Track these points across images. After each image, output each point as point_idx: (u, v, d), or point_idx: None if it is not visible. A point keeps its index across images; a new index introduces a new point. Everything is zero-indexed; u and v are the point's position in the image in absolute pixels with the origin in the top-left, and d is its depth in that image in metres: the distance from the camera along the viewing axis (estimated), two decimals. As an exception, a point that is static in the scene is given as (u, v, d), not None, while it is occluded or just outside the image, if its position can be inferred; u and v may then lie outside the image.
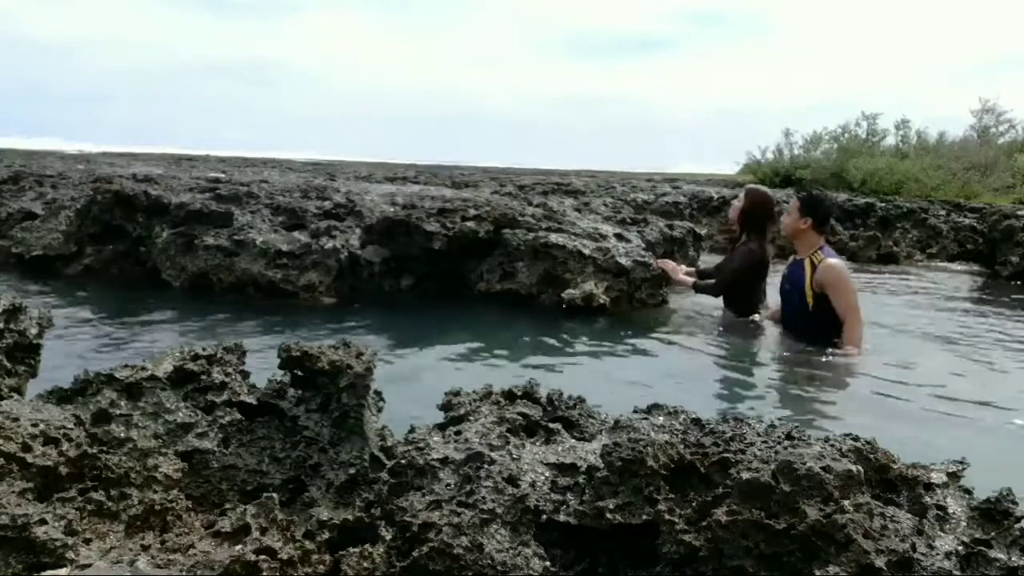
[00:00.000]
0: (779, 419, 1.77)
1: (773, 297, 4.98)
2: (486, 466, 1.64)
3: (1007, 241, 8.92)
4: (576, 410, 2.00)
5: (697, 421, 1.83)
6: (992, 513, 1.59)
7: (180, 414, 1.85)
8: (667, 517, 1.52)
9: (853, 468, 1.51)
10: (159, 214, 5.63)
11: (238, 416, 1.90)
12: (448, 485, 1.61)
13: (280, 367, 1.93)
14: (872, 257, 9.45)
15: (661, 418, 1.88)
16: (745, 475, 1.50)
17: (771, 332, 4.81)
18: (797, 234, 4.52)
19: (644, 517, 1.54)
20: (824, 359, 4.31)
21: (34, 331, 2.17)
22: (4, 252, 5.91)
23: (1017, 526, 1.54)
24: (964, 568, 1.46)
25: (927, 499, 1.61)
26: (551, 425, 1.88)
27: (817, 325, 4.38)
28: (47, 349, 2.22)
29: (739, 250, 5.06)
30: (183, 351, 2.00)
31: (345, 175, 12.88)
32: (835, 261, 4.43)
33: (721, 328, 4.90)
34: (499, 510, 1.55)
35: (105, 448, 1.69)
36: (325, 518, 1.65)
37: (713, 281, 5.17)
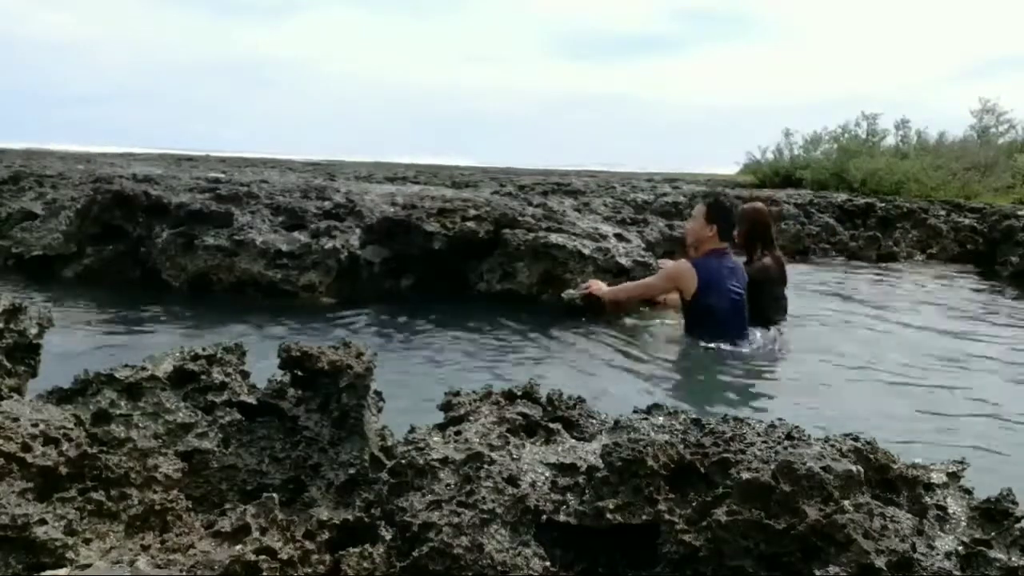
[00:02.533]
0: (779, 419, 1.77)
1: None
2: (486, 466, 1.64)
3: (1007, 241, 8.93)
4: (576, 410, 2.00)
5: (697, 421, 1.83)
6: (992, 513, 1.59)
7: (180, 414, 1.85)
8: (667, 517, 1.52)
9: (853, 468, 1.51)
10: (159, 214, 5.63)
11: (238, 416, 1.89)
12: (448, 485, 1.61)
13: (280, 367, 1.93)
14: (872, 257, 9.45)
15: (661, 418, 1.88)
16: (745, 475, 1.50)
17: (771, 334, 4.81)
18: (702, 241, 4.58)
19: (644, 517, 1.54)
20: (824, 360, 4.31)
21: (34, 331, 2.17)
22: (4, 252, 5.91)
23: (1017, 526, 1.54)
24: (964, 568, 1.46)
25: (927, 499, 1.61)
26: (551, 425, 1.88)
27: (688, 317, 4.61)
28: (47, 349, 2.22)
29: (755, 265, 5.03)
30: (183, 351, 2.00)
31: (345, 175, 12.89)
32: (684, 261, 4.67)
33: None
34: (499, 510, 1.55)
35: (105, 448, 1.69)
36: (325, 518, 1.65)
37: None
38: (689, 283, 4.45)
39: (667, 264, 5.13)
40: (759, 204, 5.56)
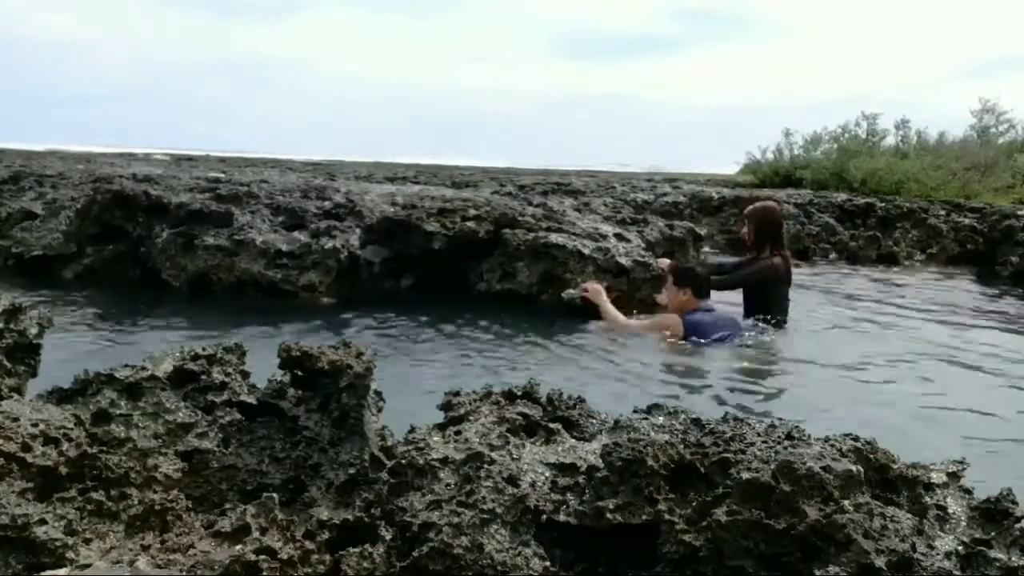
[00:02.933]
0: (779, 419, 1.77)
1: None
2: (486, 466, 1.64)
3: (1007, 241, 8.92)
4: (576, 410, 2.00)
5: (697, 421, 1.83)
6: (992, 513, 1.59)
7: (180, 414, 1.85)
8: (667, 517, 1.52)
9: (853, 468, 1.51)
10: (159, 214, 5.63)
11: (238, 416, 1.89)
12: (448, 485, 1.61)
13: (280, 367, 1.93)
14: (872, 257, 9.44)
15: (661, 418, 1.88)
16: (745, 475, 1.50)
17: (772, 335, 4.81)
18: (684, 306, 4.65)
19: (644, 517, 1.54)
20: (823, 360, 4.31)
21: (34, 331, 2.17)
22: (4, 252, 5.91)
23: (1017, 526, 1.54)
24: (964, 568, 1.46)
25: (927, 499, 1.61)
26: (551, 425, 1.88)
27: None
28: (47, 349, 2.22)
29: (761, 262, 5.06)
30: (183, 351, 2.00)
31: (345, 175, 12.88)
32: (675, 316, 4.66)
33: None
34: (499, 510, 1.55)
35: (105, 448, 1.69)
36: (325, 518, 1.65)
37: (725, 277, 5.22)
38: (677, 333, 4.56)
39: (667, 283, 5.01)
40: (770, 203, 5.58)
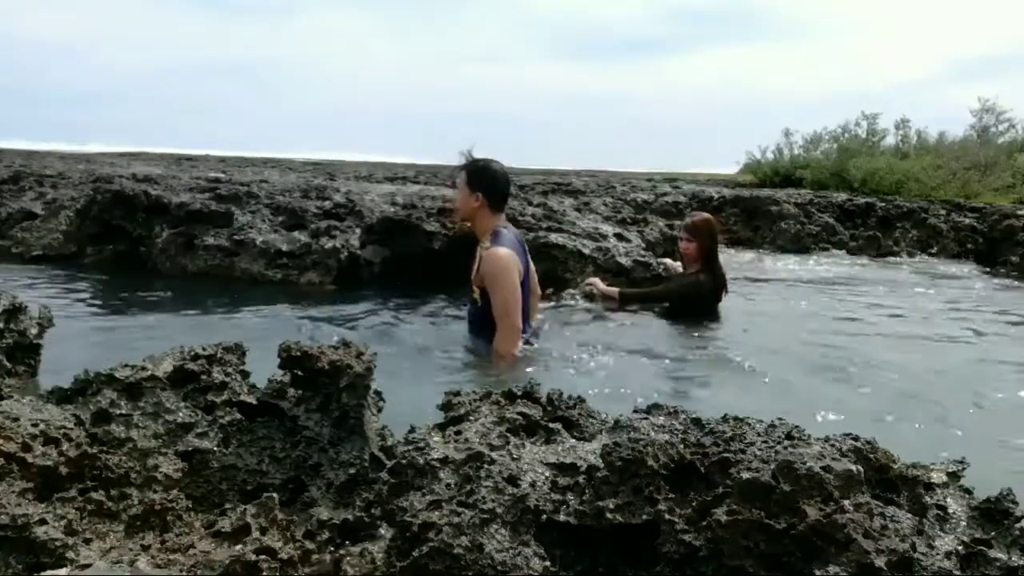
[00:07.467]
0: (779, 419, 1.77)
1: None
2: (486, 466, 1.64)
3: (1007, 241, 8.93)
4: (576, 410, 2.00)
5: (697, 421, 1.83)
6: (992, 513, 1.59)
7: (180, 414, 1.85)
8: (667, 517, 1.52)
9: (853, 468, 1.51)
10: (159, 214, 5.64)
11: (238, 416, 1.90)
12: (448, 485, 1.61)
13: (280, 367, 1.92)
14: (872, 257, 9.45)
15: (661, 418, 1.88)
16: (745, 475, 1.50)
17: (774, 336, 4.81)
18: (471, 215, 3.91)
19: (644, 517, 1.54)
20: (824, 361, 4.31)
21: (34, 331, 2.18)
22: (4, 252, 5.91)
23: (1017, 526, 1.54)
24: (964, 568, 1.46)
25: (927, 499, 1.61)
26: (551, 425, 1.88)
27: (483, 324, 3.88)
28: (47, 349, 2.22)
29: (686, 277, 5.14)
30: (183, 351, 2.00)
31: (345, 175, 12.87)
32: (501, 250, 3.72)
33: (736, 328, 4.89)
34: (499, 510, 1.55)
35: (105, 448, 1.69)
36: (325, 518, 1.65)
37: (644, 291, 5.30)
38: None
39: (496, 256, 3.83)
40: (711, 217, 5.44)
